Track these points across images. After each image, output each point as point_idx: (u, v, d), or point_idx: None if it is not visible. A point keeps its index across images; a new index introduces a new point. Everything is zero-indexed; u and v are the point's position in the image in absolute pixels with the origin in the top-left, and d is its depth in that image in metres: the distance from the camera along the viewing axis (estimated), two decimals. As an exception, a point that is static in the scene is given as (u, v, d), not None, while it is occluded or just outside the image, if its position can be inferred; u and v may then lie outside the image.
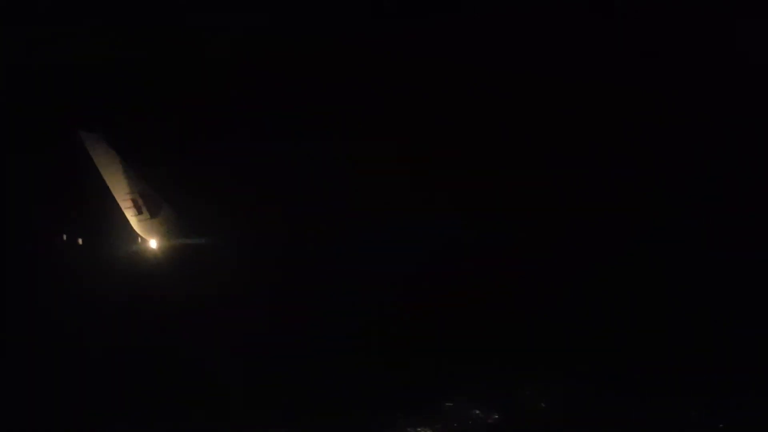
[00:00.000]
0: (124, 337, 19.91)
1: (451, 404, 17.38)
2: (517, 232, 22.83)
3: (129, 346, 19.71)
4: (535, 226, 22.95)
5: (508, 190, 23.25)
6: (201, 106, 24.16)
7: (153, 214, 22.62)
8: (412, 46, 24.27)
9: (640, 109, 23.58)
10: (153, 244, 22.76)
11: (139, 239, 22.77)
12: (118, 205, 22.33)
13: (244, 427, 16.94)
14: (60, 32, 24.21)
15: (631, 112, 23.57)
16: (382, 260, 22.32)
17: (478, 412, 16.95)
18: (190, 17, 24.39)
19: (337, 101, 24.40)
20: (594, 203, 23.00)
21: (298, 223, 23.24)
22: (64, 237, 22.97)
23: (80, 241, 23.00)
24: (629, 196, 23.14)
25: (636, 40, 24.13)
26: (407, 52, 24.23)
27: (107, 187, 22.19)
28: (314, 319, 20.95)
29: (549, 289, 21.55)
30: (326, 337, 20.21)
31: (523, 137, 23.97)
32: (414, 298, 21.30)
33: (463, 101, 24.43)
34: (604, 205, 22.92)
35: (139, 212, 22.52)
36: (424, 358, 19.35)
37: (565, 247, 22.57)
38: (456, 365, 19.10)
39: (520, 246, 22.52)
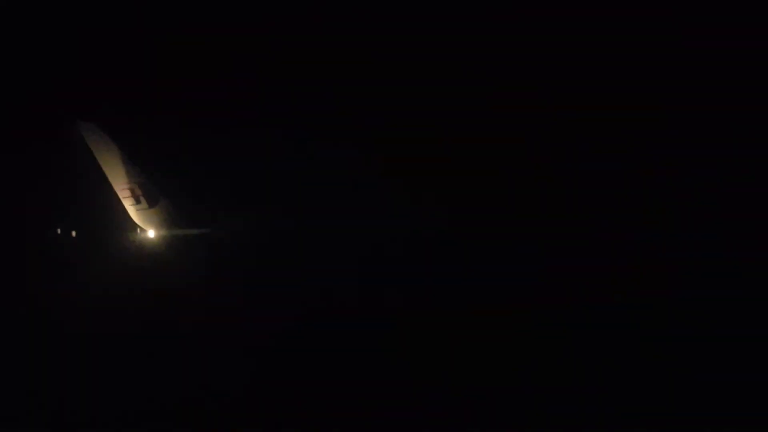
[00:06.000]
0: (122, 329, 19.88)
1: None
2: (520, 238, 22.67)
3: (126, 338, 19.66)
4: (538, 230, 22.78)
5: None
6: (199, 98, 24.19)
7: (151, 204, 22.65)
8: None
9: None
10: (151, 233, 22.80)
11: (138, 229, 22.83)
12: (116, 195, 22.38)
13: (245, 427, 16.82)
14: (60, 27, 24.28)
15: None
16: (382, 257, 22.34)
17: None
18: (187, 11, 24.39)
19: (330, 100, 24.44)
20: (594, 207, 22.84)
21: (295, 214, 23.22)
22: (59, 230, 23.01)
23: (74, 233, 22.97)
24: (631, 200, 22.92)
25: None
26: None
27: (105, 178, 22.24)
28: (313, 311, 20.86)
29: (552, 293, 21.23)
30: (327, 330, 20.09)
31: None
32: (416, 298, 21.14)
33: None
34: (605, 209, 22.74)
35: (138, 202, 22.56)
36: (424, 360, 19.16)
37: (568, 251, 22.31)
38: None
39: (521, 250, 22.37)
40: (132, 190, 22.40)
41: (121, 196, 22.45)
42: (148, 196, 22.58)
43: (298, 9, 24.46)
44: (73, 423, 16.64)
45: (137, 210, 22.64)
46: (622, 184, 23.11)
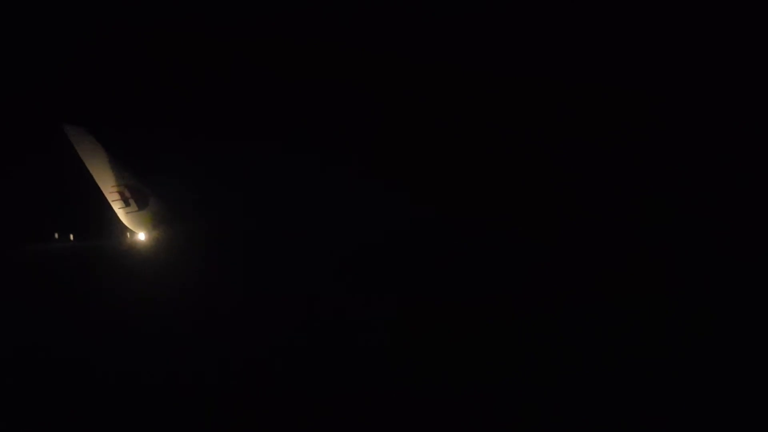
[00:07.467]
0: (116, 332, 19.73)
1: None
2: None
3: (121, 341, 19.52)
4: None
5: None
6: (188, 99, 24.10)
7: (141, 206, 22.50)
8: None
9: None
10: (141, 236, 22.66)
11: (128, 232, 22.68)
12: (105, 198, 22.22)
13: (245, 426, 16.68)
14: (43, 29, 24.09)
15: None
16: (378, 256, 22.24)
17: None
18: (173, 12, 24.26)
19: (320, 99, 24.41)
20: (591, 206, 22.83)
21: (286, 213, 23.15)
22: (56, 235, 22.78)
23: (62, 238, 22.73)
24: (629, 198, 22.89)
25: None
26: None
27: (93, 181, 22.07)
28: (310, 311, 20.77)
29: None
30: (324, 330, 19.98)
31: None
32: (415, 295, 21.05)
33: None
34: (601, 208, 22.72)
35: (127, 204, 22.40)
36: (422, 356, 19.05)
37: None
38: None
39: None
40: (121, 193, 22.24)
41: (110, 200, 22.28)
42: (137, 198, 22.42)
43: (283, 11, 24.51)
44: (72, 425, 16.60)
45: (127, 213, 22.49)
46: (620, 184, 23.15)
